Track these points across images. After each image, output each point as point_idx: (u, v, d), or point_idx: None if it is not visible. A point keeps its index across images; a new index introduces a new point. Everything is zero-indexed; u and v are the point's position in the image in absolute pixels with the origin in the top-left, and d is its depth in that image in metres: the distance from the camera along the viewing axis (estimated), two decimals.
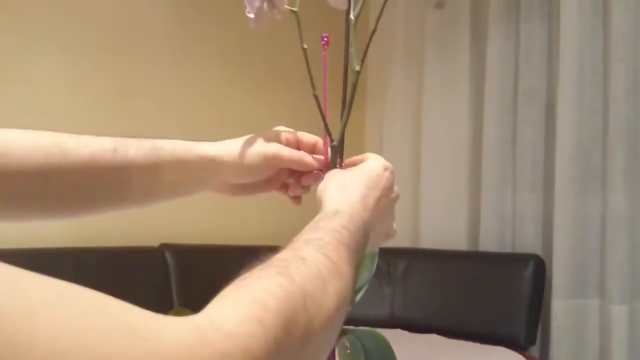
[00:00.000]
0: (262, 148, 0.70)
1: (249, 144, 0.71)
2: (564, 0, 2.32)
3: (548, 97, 2.45)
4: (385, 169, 0.66)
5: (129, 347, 0.30)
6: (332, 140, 0.75)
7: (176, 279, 2.19)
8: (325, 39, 0.72)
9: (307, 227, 0.54)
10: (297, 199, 0.75)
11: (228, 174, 0.71)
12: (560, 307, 2.31)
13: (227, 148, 0.71)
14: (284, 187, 0.75)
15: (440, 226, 2.65)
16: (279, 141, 0.72)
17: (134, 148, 0.68)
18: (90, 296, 0.32)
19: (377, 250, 0.86)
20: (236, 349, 0.34)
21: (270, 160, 0.70)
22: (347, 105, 0.76)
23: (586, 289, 2.30)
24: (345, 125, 0.76)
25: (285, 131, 0.74)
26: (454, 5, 2.61)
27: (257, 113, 2.62)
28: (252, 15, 0.71)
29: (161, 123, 2.40)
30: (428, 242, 2.67)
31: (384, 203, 0.64)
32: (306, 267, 0.45)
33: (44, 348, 0.28)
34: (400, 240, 2.70)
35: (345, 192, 0.61)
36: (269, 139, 0.71)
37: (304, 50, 0.73)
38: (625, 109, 2.20)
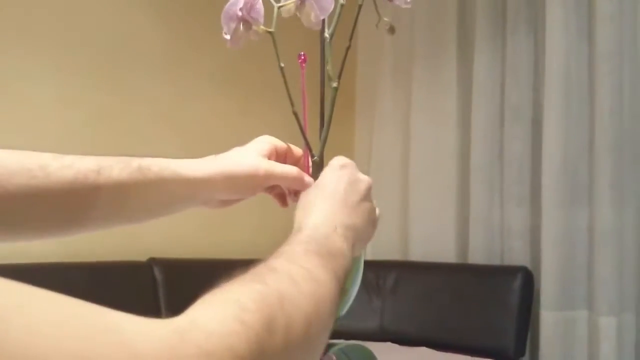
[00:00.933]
0: (253, 166, 0.69)
1: (239, 161, 0.69)
2: (550, 16, 2.35)
3: (534, 111, 2.48)
4: (341, 167, 0.67)
5: (109, 348, 0.30)
6: (313, 156, 0.77)
7: (165, 293, 2.19)
8: (302, 56, 0.73)
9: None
10: (283, 200, 0.75)
11: (218, 193, 0.70)
12: (548, 319, 2.32)
13: (217, 167, 0.69)
14: (270, 189, 0.74)
15: (429, 239, 2.66)
16: (270, 154, 0.72)
17: (119, 169, 0.66)
18: (65, 300, 0.31)
19: (362, 262, 0.87)
20: (219, 348, 0.34)
21: (262, 179, 0.69)
22: (326, 121, 0.78)
23: (574, 301, 2.31)
24: (325, 141, 0.78)
25: (275, 143, 0.73)
26: (441, 22, 2.64)
27: (248, 127, 2.63)
28: (228, 37, 0.73)
29: (154, 138, 2.41)
30: (417, 255, 2.68)
31: (354, 198, 0.64)
32: (278, 275, 0.46)
33: (18, 350, 0.27)
34: (390, 253, 2.71)
35: (309, 211, 0.62)
36: (259, 152, 0.71)
37: (281, 68, 0.75)
38: (610, 122, 2.23)
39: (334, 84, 0.74)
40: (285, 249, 0.53)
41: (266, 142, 0.73)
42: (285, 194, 0.74)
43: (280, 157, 0.74)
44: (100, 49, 2.31)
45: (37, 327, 0.28)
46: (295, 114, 0.77)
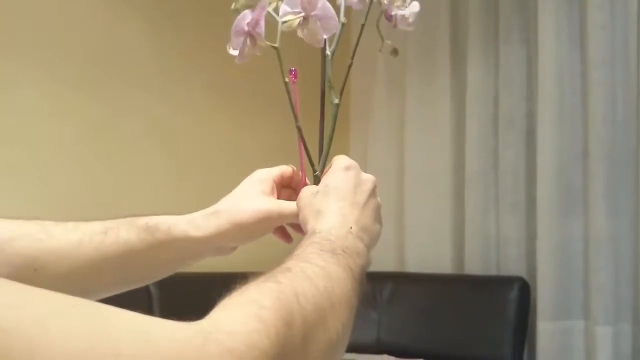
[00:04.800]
0: (263, 211, 0.68)
1: (247, 208, 0.68)
2: (542, 25, 2.37)
3: (528, 120, 2.48)
4: (346, 169, 0.68)
5: (138, 347, 0.32)
6: (314, 170, 0.77)
7: (160, 308, 2.17)
8: (293, 72, 0.74)
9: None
10: (287, 237, 0.74)
11: (231, 243, 0.70)
12: (545, 329, 2.32)
13: (227, 220, 0.67)
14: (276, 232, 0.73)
15: (425, 249, 2.66)
16: (272, 190, 0.71)
17: (126, 229, 0.66)
18: (95, 305, 0.34)
19: None
20: (241, 345, 0.36)
21: (275, 222, 0.69)
22: (327, 137, 0.77)
23: (571, 310, 2.31)
24: (326, 157, 0.78)
25: (273, 176, 0.72)
26: (434, 33, 2.65)
27: (242, 140, 2.62)
28: (235, 52, 0.73)
29: (145, 152, 2.40)
30: (413, 265, 2.67)
31: (362, 198, 0.65)
32: (291, 273, 0.47)
33: (56, 351, 0.30)
34: (386, 264, 2.70)
35: (320, 216, 0.62)
36: (263, 193, 0.70)
37: (286, 84, 0.75)
38: (604, 131, 2.24)
39: (336, 101, 0.74)
40: (298, 252, 0.54)
41: (265, 180, 0.72)
42: (287, 230, 0.74)
43: (286, 184, 0.74)
44: (92, 61, 2.30)
45: (71, 331, 0.31)
46: (299, 128, 0.77)
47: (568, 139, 2.33)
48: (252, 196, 0.69)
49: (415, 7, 0.72)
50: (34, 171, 2.13)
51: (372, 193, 0.67)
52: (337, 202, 0.63)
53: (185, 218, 0.68)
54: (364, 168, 2.81)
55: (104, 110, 2.32)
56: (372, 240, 0.64)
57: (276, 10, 0.70)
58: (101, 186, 2.27)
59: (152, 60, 2.46)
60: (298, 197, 0.69)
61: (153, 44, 2.46)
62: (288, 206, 0.69)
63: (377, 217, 0.67)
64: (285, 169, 0.74)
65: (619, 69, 2.25)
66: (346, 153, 2.87)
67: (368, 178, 0.68)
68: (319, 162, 0.77)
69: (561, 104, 2.33)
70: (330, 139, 0.76)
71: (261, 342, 0.37)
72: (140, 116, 2.41)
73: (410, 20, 0.72)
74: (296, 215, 0.68)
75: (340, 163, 0.69)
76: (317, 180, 0.75)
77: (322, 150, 0.76)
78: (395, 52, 0.76)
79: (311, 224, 0.62)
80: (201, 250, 0.69)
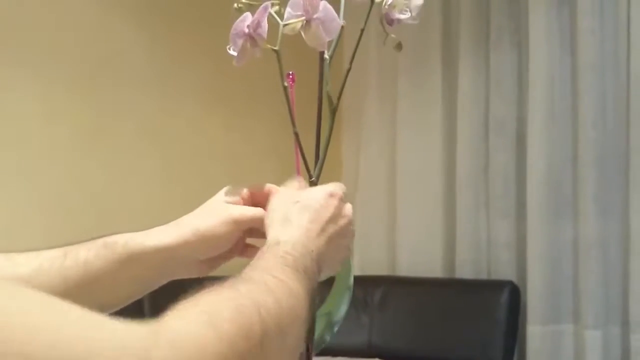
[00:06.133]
0: (222, 215, 0.68)
1: (207, 214, 0.68)
2: (533, 30, 2.38)
3: (519, 124, 2.49)
4: (331, 196, 0.68)
5: (99, 343, 0.35)
6: (310, 177, 0.77)
7: (150, 312, 2.16)
8: (291, 76, 0.73)
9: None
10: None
11: (194, 253, 0.68)
12: (535, 333, 2.33)
13: (186, 227, 0.67)
14: (245, 250, 0.73)
15: (416, 253, 2.66)
16: (237, 203, 0.71)
17: (85, 249, 0.65)
18: (60, 303, 0.37)
19: (352, 283, 0.87)
20: (189, 346, 0.37)
21: (235, 225, 0.68)
22: (324, 142, 0.77)
23: (561, 314, 2.32)
24: (322, 163, 0.78)
25: (245, 191, 0.72)
26: (425, 37, 2.65)
27: (235, 143, 2.61)
28: (235, 53, 0.72)
29: (140, 154, 2.39)
30: (405, 269, 2.67)
31: (332, 231, 0.65)
32: (254, 284, 0.48)
33: (22, 346, 0.32)
34: (377, 268, 2.70)
35: (287, 226, 0.63)
36: (226, 202, 0.70)
37: (284, 88, 0.74)
38: (594, 135, 2.25)
39: (333, 106, 0.74)
40: (260, 262, 0.54)
41: (231, 193, 0.71)
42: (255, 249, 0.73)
43: (247, 202, 0.72)
44: (86, 63, 2.29)
45: (38, 326, 0.34)
46: (296, 134, 0.76)
47: (558, 143, 2.34)
48: (215, 204, 0.70)
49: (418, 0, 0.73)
50: (27, 173, 2.11)
51: (344, 232, 0.67)
52: (308, 222, 0.63)
53: (144, 231, 0.67)
54: (356, 174, 2.83)
55: (97, 112, 2.31)
56: (325, 271, 0.65)
57: (278, 12, 0.70)
58: (94, 188, 2.26)
59: (145, 63, 2.45)
60: (276, 194, 0.69)
61: (146, 46, 2.45)
62: (251, 210, 0.69)
63: (340, 256, 0.68)
64: (257, 187, 0.72)
65: (608, 73, 2.27)
66: (338, 157, 2.87)
67: (346, 215, 0.68)
68: (315, 168, 0.77)
69: (551, 108, 2.35)
70: (327, 144, 0.76)
71: (210, 349, 0.38)
72: (134, 118, 2.40)
73: (414, 13, 0.73)
74: (260, 219, 0.67)
75: (329, 187, 0.69)
76: (312, 186, 0.75)
77: (319, 156, 0.76)
78: (399, 46, 0.76)
79: (276, 230, 0.63)
80: (163, 262, 0.67)
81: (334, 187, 0.69)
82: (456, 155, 2.59)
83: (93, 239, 0.66)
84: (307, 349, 0.77)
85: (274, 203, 0.67)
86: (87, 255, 0.64)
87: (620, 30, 2.26)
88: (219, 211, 0.68)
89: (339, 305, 0.83)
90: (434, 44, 2.65)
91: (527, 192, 2.38)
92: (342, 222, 0.67)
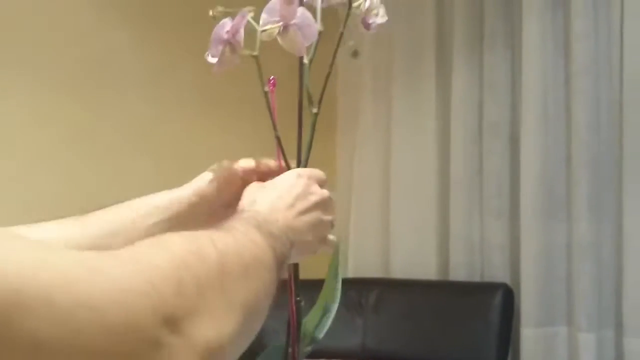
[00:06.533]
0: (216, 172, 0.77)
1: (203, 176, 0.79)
2: (526, 33, 2.38)
3: (512, 127, 2.50)
4: (299, 176, 0.70)
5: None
6: None
7: None
8: (272, 81, 0.74)
9: None
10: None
11: (203, 208, 0.75)
12: (529, 335, 2.33)
13: (191, 187, 0.80)
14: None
15: (410, 255, 2.66)
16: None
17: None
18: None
19: (340, 280, 0.87)
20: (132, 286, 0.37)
21: (229, 177, 0.75)
22: (306, 146, 0.77)
23: (554, 317, 2.32)
24: (306, 165, 0.78)
25: (222, 169, 0.78)
26: (419, 40, 2.66)
27: (227, 145, 2.61)
28: (214, 60, 0.72)
29: (130, 157, 2.38)
30: (399, 271, 2.67)
31: (302, 207, 0.66)
32: (212, 230, 0.49)
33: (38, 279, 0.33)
34: (371, 270, 2.70)
35: (254, 205, 0.64)
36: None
37: (265, 93, 0.75)
38: (587, 137, 2.25)
39: (314, 110, 0.74)
40: (222, 224, 0.55)
41: (215, 174, 0.79)
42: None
43: (249, 173, 0.76)
44: (76, 66, 2.29)
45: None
46: (277, 138, 0.77)
47: (551, 145, 2.34)
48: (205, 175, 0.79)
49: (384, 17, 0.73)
50: (17, 176, 2.11)
51: (317, 207, 0.68)
52: (274, 198, 0.65)
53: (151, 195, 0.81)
54: (351, 175, 2.83)
55: (88, 115, 2.31)
56: (299, 249, 0.65)
57: (255, 18, 0.70)
58: (86, 191, 2.26)
59: (137, 65, 2.45)
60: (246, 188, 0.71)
61: (138, 49, 2.45)
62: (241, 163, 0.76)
63: (314, 232, 0.68)
64: (248, 162, 0.77)
65: (602, 76, 2.27)
66: (333, 160, 2.88)
67: (317, 192, 0.69)
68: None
69: (545, 111, 2.35)
70: (309, 148, 0.76)
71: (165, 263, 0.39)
72: (125, 121, 2.40)
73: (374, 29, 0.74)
74: (249, 169, 0.75)
75: (297, 170, 0.72)
76: None
77: (300, 159, 0.76)
78: (355, 53, 0.76)
79: (243, 206, 0.65)
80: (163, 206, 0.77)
81: (302, 169, 0.72)
82: (450, 158, 2.59)
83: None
84: (293, 348, 0.77)
85: (244, 193, 0.69)
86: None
87: (614, 33, 2.26)
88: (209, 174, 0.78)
89: (329, 302, 0.84)
90: (428, 46, 2.66)
91: (521, 194, 2.38)
92: (312, 198, 0.68)
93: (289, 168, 0.76)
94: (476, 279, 2.52)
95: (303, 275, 0.79)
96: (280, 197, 0.65)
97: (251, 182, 0.72)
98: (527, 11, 2.38)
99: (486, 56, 2.53)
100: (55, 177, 2.20)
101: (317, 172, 0.72)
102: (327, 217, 0.70)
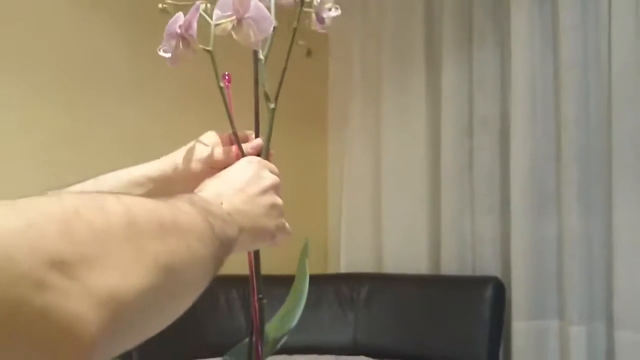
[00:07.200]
0: (201, 155, 0.79)
1: (188, 154, 0.81)
2: (515, 28, 2.38)
3: (502, 122, 2.50)
4: (249, 162, 0.71)
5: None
6: None
7: None
8: (227, 77, 0.74)
9: None
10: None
11: (177, 184, 0.78)
12: (520, 329, 2.33)
13: (170, 163, 0.84)
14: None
15: (402, 250, 2.67)
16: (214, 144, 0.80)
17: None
18: None
19: (307, 284, 0.87)
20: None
21: (210, 164, 0.77)
22: (266, 141, 0.78)
23: (545, 310, 2.33)
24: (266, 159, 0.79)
25: (214, 137, 0.81)
26: (408, 36, 2.67)
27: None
28: (168, 55, 0.73)
29: (118, 160, 2.37)
30: (390, 266, 2.68)
31: (252, 191, 0.66)
32: (93, 193, 0.44)
33: None
34: (363, 265, 2.71)
35: (201, 189, 0.65)
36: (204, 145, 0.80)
37: (220, 88, 0.75)
38: (576, 132, 2.25)
39: (272, 105, 0.75)
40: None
41: (208, 140, 0.82)
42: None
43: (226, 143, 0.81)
44: (64, 69, 2.29)
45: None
46: (235, 134, 0.77)
47: (541, 139, 2.34)
48: (196, 145, 0.83)
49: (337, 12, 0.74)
50: (5, 182, 2.11)
51: (267, 190, 0.68)
52: (221, 184, 0.65)
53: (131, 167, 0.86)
54: (342, 172, 2.86)
55: (75, 119, 2.31)
56: (253, 232, 0.64)
57: (206, 11, 0.71)
58: None
59: (124, 68, 2.45)
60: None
61: (125, 52, 2.45)
62: (224, 153, 0.78)
63: (268, 214, 0.67)
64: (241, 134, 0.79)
65: (591, 70, 2.26)
66: (324, 157, 2.89)
67: (270, 177, 0.69)
68: None
69: (534, 106, 2.35)
70: (268, 144, 0.77)
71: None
72: (112, 124, 2.40)
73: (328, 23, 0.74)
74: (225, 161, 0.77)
75: (247, 157, 0.72)
76: None
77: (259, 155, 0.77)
78: (309, 53, 0.77)
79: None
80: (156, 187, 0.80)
81: (250, 158, 0.73)
82: (440, 153, 2.60)
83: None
84: (257, 346, 0.78)
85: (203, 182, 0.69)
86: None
87: (602, 26, 2.25)
88: (197, 152, 0.80)
89: (296, 307, 0.84)
90: (417, 43, 2.66)
91: (511, 188, 2.38)
92: (263, 182, 0.68)
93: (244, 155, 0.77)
94: (468, 272, 2.53)
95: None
96: (227, 182, 0.65)
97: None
98: (515, 5, 2.38)
99: (475, 52, 2.54)
100: (42, 181, 2.19)
101: (269, 163, 0.73)
102: (280, 202, 0.69)
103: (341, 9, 0.76)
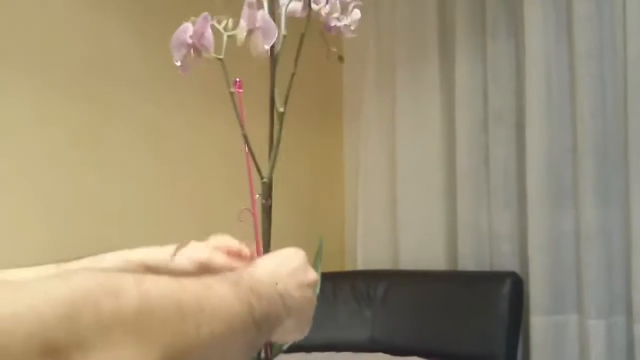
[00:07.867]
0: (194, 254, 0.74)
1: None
2: (528, 19, 2.36)
3: (517, 115, 2.48)
4: (298, 251, 0.67)
5: None
6: (262, 177, 0.79)
7: None
8: (238, 83, 0.75)
9: None
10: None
11: None
12: (539, 323, 2.32)
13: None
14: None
15: (419, 247, 2.66)
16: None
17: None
18: None
19: (319, 276, 0.88)
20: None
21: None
22: (274, 144, 0.78)
23: (564, 304, 2.31)
24: (274, 163, 0.79)
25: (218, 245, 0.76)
26: (422, 30, 2.65)
27: (235, 141, 2.61)
28: (179, 63, 0.74)
29: (138, 156, 2.40)
30: (407, 263, 2.68)
31: (301, 278, 0.64)
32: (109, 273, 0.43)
33: None
34: (380, 262, 2.71)
35: (256, 267, 0.62)
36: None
37: (231, 94, 0.76)
38: (593, 124, 2.23)
39: (281, 109, 0.76)
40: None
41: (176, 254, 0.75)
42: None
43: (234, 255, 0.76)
44: (80, 66, 2.30)
45: None
46: (245, 136, 0.78)
47: (557, 132, 2.32)
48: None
49: (356, 14, 0.74)
50: (23, 178, 2.14)
51: (312, 285, 0.65)
52: (275, 264, 0.63)
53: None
54: (357, 167, 2.84)
55: (93, 115, 2.32)
56: (297, 321, 0.62)
57: (219, 21, 0.71)
58: (93, 192, 2.28)
59: (140, 63, 2.46)
60: None
61: (141, 47, 2.46)
62: (220, 258, 0.74)
63: (310, 309, 0.65)
64: (231, 243, 0.76)
65: (606, 60, 2.24)
66: (340, 152, 2.87)
67: (314, 272, 0.67)
68: (270, 167, 0.79)
69: (549, 98, 2.33)
70: (277, 146, 0.77)
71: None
72: (131, 120, 2.41)
73: (353, 27, 0.74)
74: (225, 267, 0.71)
75: (294, 248, 0.68)
76: (264, 188, 0.77)
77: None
78: (341, 59, 0.77)
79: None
80: None
81: (298, 249, 0.69)
82: (456, 148, 2.58)
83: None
84: (266, 348, 0.78)
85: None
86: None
87: (616, 16, 2.23)
88: (194, 252, 0.75)
89: None
90: (430, 36, 2.65)
91: (527, 182, 2.37)
92: (311, 275, 0.65)
93: (257, 166, 0.77)
94: (485, 268, 2.52)
95: None
96: (282, 265, 0.63)
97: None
98: None
99: (489, 44, 2.52)
100: (60, 177, 2.22)
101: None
102: (312, 306, 0.66)
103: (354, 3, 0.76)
